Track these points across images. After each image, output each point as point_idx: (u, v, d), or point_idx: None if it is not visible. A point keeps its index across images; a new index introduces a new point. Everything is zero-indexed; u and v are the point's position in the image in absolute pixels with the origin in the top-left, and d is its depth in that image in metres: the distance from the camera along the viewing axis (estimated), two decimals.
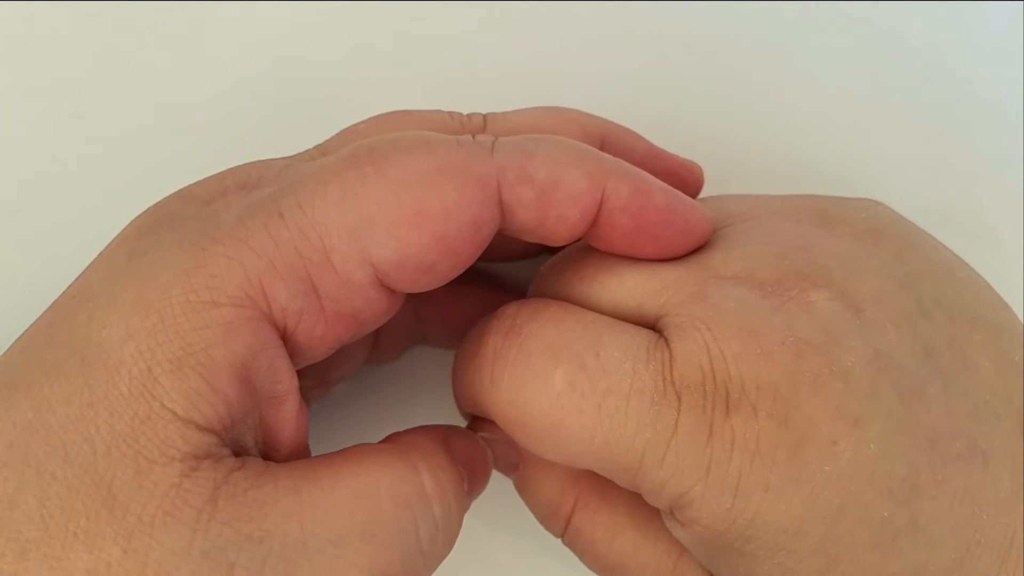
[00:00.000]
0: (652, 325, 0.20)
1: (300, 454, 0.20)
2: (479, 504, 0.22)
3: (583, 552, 0.23)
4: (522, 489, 0.23)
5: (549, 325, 0.20)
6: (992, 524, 0.18)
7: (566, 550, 0.23)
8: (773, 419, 0.18)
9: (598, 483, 0.23)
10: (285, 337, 0.19)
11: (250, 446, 0.18)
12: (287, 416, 0.19)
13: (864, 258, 0.20)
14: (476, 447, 0.22)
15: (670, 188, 0.21)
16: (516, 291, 0.27)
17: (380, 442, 0.21)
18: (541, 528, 0.24)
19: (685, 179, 0.24)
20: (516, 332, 0.20)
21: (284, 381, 0.19)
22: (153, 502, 0.16)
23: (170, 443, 0.17)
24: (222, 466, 0.17)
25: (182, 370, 0.17)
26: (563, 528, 0.23)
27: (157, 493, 0.16)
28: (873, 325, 0.19)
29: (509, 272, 0.28)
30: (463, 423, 0.24)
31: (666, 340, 0.19)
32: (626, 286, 0.21)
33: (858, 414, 0.18)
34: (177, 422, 0.17)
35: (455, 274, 0.19)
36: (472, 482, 0.21)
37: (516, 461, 0.23)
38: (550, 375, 0.19)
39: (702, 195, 0.25)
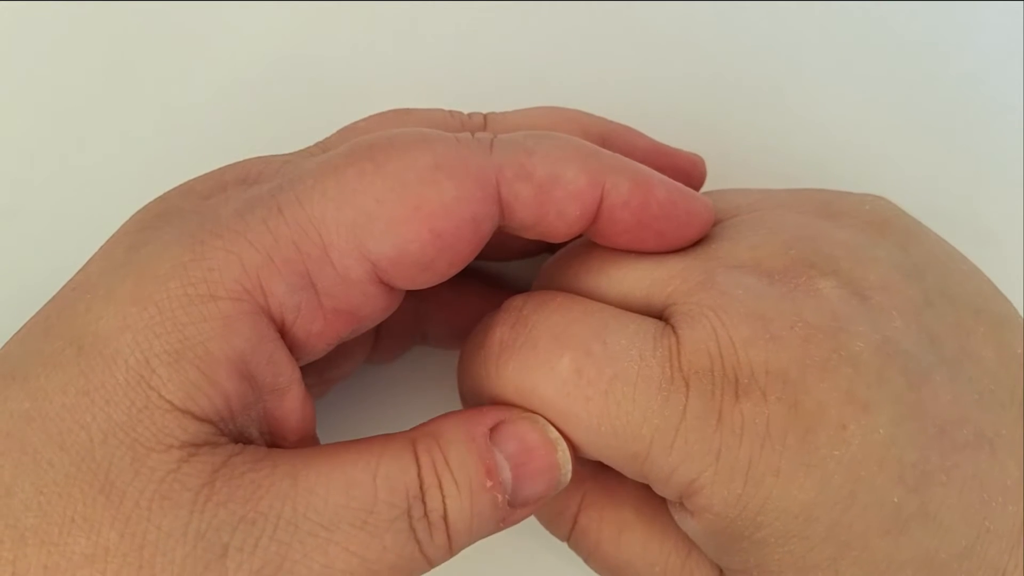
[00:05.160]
0: (659, 315, 0.20)
1: (308, 444, 0.20)
2: None
3: (590, 554, 0.23)
4: None
5: (555, 315, 0.20)
6: (1001, 512, 0.18)
7: (568, 552, 0.23)
8: (783, 403, 0.18)
9: (603, 481, 0.22)
10: (283, 332, 0.18)
11: (255, 437, 0.18)
12: (291, 407, 0.19)
13: (869, 248, 0.20)
14: (534, 435, 0.19)
15: (670, 180, 0.21)
16: (516, 290, 0.27)
17: (416, 427, 0.19)
18: (543, 530, 0.23)
19: (690, 172, 0.24)
20: (522, 323, 0.20)
21: (286, 373, 0.18)
22: (151, 487, 0.16)
23: (167, 432, 0.17)
24: (221, 451, 0.17)
25: (180, 363, 0.17)
26: (569, 529, 0.23)
27: (155, 479, 0.16)
28: (880, 312, 0.19)
29: (509, 272, 0.28)
30: None
31: (673, 328, 0.19)
32: (632, 277, 0.21)
33: (867, 399, 0.18)
34: (175, 412, 0.17)
35: (454, 271, 0.19)
36: (520, 478, 0.19)
37: None
38: (556, 363, 0.19)
39: (704, 191, 0.25)
